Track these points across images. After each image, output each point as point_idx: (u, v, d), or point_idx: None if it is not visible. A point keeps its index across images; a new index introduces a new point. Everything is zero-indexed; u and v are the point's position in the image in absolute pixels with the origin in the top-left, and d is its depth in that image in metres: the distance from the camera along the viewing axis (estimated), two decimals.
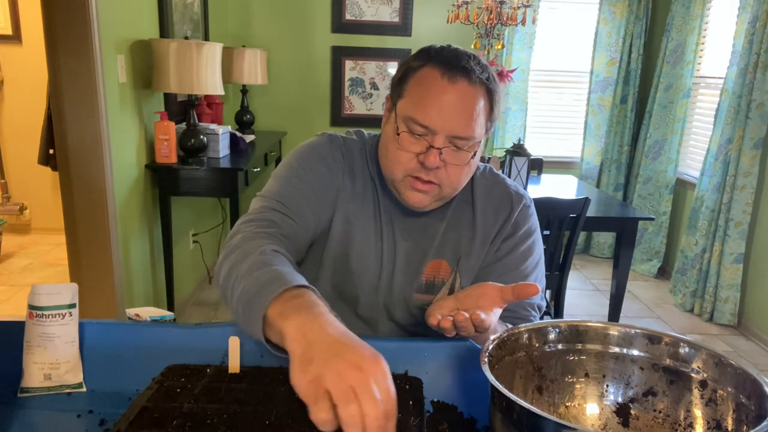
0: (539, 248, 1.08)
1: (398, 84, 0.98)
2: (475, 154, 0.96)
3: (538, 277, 1.07)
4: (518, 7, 3.02)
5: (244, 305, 0.72)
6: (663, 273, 4.18)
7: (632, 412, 0.74)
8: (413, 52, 1.01)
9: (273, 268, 0.76)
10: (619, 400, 0.75)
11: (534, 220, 1.09)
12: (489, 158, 2.98)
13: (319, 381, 0.58)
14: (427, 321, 0.84)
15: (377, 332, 1.05)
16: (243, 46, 3.74)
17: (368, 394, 0.56)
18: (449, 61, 0.92)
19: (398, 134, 0.94)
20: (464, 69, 0.91)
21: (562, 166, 4.51)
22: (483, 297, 0.83)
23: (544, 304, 1.08)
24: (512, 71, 3.11)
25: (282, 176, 1.01)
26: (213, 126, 2.90)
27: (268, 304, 0.69)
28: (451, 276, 1.05)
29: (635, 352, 0.75)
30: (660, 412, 0.72)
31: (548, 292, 2.78)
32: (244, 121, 3.91)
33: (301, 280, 0.73)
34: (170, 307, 2.88)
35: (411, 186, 0.96)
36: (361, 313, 1.05)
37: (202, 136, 2.69)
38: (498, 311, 0.83)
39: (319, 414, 0.56)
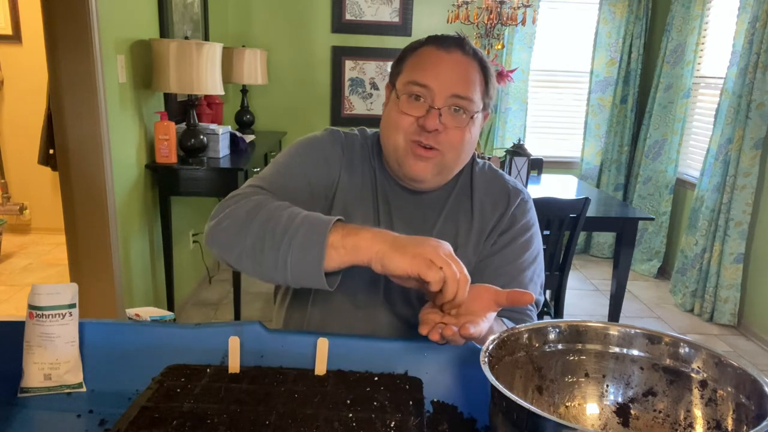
0: (537, 243, 1.09)
1: (396, 65, 1.03)
2: (473, 119, 0.99)
3: (536, 271, 1.07)
4: (518, 7, 3.02)
5: (301, 240, 0.81)
6: (663, 273, 4.18)
7: (632, 412, 0.74)
8: None
9: (311, 212, 0.86)
10: (619, 400, 0.75)
11: (532, 216, 1.10)
12: (489, 158, 2.98)
13: (421, 255, 0.76)
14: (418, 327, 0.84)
15: (377, 324, 1.05)
16: (243, 46, 3.74)
17: (455, 260, 0.77)
18: (443, 38, 1.00)
19: (398, 98, 0.98)
20: (457, 41, 0.99)
21: (562, 166, 4.51)
22: (477, 301, 0.82)
23: (542, 299, 1.08)
24: (512, 71, 3.11)
25: (279, 163, 1.04)
26: (213, 126, 2.90)
27: (329, 231, 0.80)
28: None
29: (635, 352, 0.75)
30: (660, 412, 0.72)
31: (548, 292, 2.78)
32: (244, 121, 3.91)
33: (338, 217, 0.85)
34: (170, 307, 2.88)
35: (412, 153, 0.98)
36: (361, 304, 1.05)
37: (202, 136, 2.69)
38: (492, 315, 0.82)
39: (436, 275, 0.75)
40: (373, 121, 4.21)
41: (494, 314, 0.83)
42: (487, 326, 0.80)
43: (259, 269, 0.86)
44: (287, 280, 0.83)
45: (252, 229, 0.85)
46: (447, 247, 0.79)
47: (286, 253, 0.81)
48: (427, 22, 4.15)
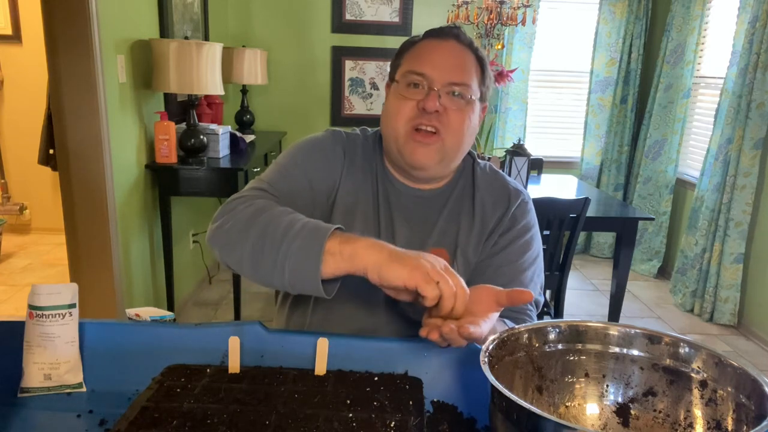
0: (537, 245, 1.09)
1: (395, 60, 1.06)
2: (472, 108, 1.00)
3: (536, 272, 1.07)
4: (518, 7, 3.02)
5: (300, 245, 0.81)
6: (663, 273, 4.18)
7: (632, 412, 0.74)
8: None
9: (308, 219, 0.86)
10: (619, 400, 0.75)
11: (532, 217, 1.10)
12: (489, 158, 2.98)
13: (420, 268, 0.75)
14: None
15: (379, 321, 1.05)
16: (243, 46, 3.74)
17: (452, 274, 0.77)
18: (439, 29, 1.04)
19: (398, 83, 1.02)
20: (451, 31, 1.02)
21: (562, 166, 4.51)
22: (477, 303, 0.82)
23: (542, 299, 1.08)
24: (512, 71, 3.11)
25: (280, 164, 1.05)
26: (213, 126, 2.90)
27: (327, 238, 0.80)
28: (451, 265, 1.06)
29: (635, 352, 0.75)
30: (660, 412, 0.72)
31: (548, 292, 2.78)
32: (244, 121, 3.91)
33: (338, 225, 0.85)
34: (170, 307, 2.88)
35: (413, 139, 0.99)
36: (363, 302, 1.05)
37: (202, 136, 2.69)
38: (494, 316, 0.82)
39: (433, 290, 0.74)
40: (373, 121, 4.21)
41: (496, 314, 0.83)
42: (489, 327, 0.80)
43: (258, 273, 0.86)
44: (285, 286, 0.84)
45: (252, 232, 0.86)
46: (443, 262, 0.79)
47: (284, 257, 0.82)
48: (427, 22, 4.15)
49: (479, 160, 1.13)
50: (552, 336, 0.76)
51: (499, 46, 3.18)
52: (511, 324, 0.97)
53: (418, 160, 1.00)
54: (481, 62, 1.02)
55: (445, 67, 0.98)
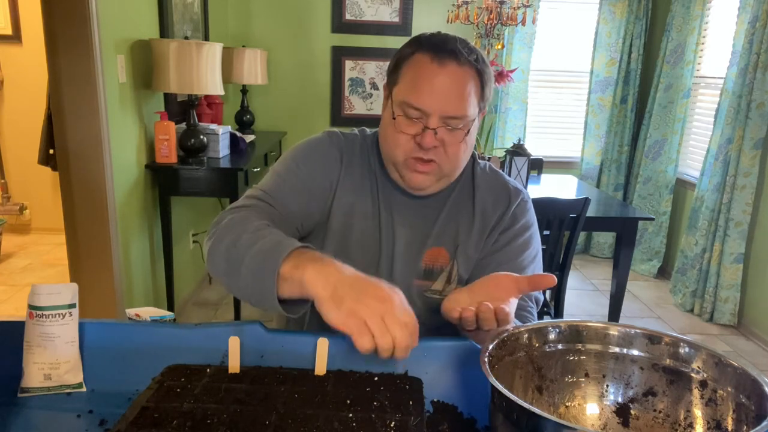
0: (537, 243, 1.10)
1: (393, 72, 1.02)
2: (469, 132, 0.99)
3: (536, 270, 1.09)
4: (518, 7, 3.02)
5: (255, 269, 0.80)
6: (663, 273, 4.18)
7: (632, 412, 0.74)
8: None
9: (274, 236, 0.85)
10: (619, 400, 0.75)
11: (531, 216, 1.11)
12: (489, 158, 2.98)
13: (356, 314, 0.71)
14: (446, 316, 0.85)
15: None
16: (243, 46, 3.74)
17: (396, 322, 0.71)
18: (437, 46, 0.97)
19: (394, 118, 0.98)
20: (452, 52, 0.96)
21: (562, 166, 4.51)
22: (498, 288, 0.84)
23: (541, 297, 1.10)
24: (512, 71, 3.11)
25: (276, 171, 1.05)
26: (213, 126, 2.90)
27: (281, 262, 0.78)
28: (450, 264, 1.07)
29: (635, 352, 0.75)
30: (660, 412, 0.72)
31: (548, 291, 2.78)
32: (244, 121, 3.91)
33: (300, 243, 0.82)
34: (170, 307, 2.88)
35: (412, 167, 1.00)
36: None
37: (202, 136, 2.69)
38: (515, 302, 0.84)
39: (365, 345, 0.70)
40: (373, 121, 4.21)
41: (516, 301, 0.85)
42: (513, 311, 0.82)
43: (237, 294, 0.88)
44: (256, 306, 0.85)
45: (221, 254, 0.87)
46: (396, 299, 0.74)
47: (245, 281, 0.82)
48: (427, 22, 4.15)
49: (479, 161, 1.13)
50: (552, 336, 0.76)
51: (499, 46, 3.18)
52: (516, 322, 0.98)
53: (416, 184, 1.01)
54: (481, 77, 0.98)
55: (442, 99, 0.95)
